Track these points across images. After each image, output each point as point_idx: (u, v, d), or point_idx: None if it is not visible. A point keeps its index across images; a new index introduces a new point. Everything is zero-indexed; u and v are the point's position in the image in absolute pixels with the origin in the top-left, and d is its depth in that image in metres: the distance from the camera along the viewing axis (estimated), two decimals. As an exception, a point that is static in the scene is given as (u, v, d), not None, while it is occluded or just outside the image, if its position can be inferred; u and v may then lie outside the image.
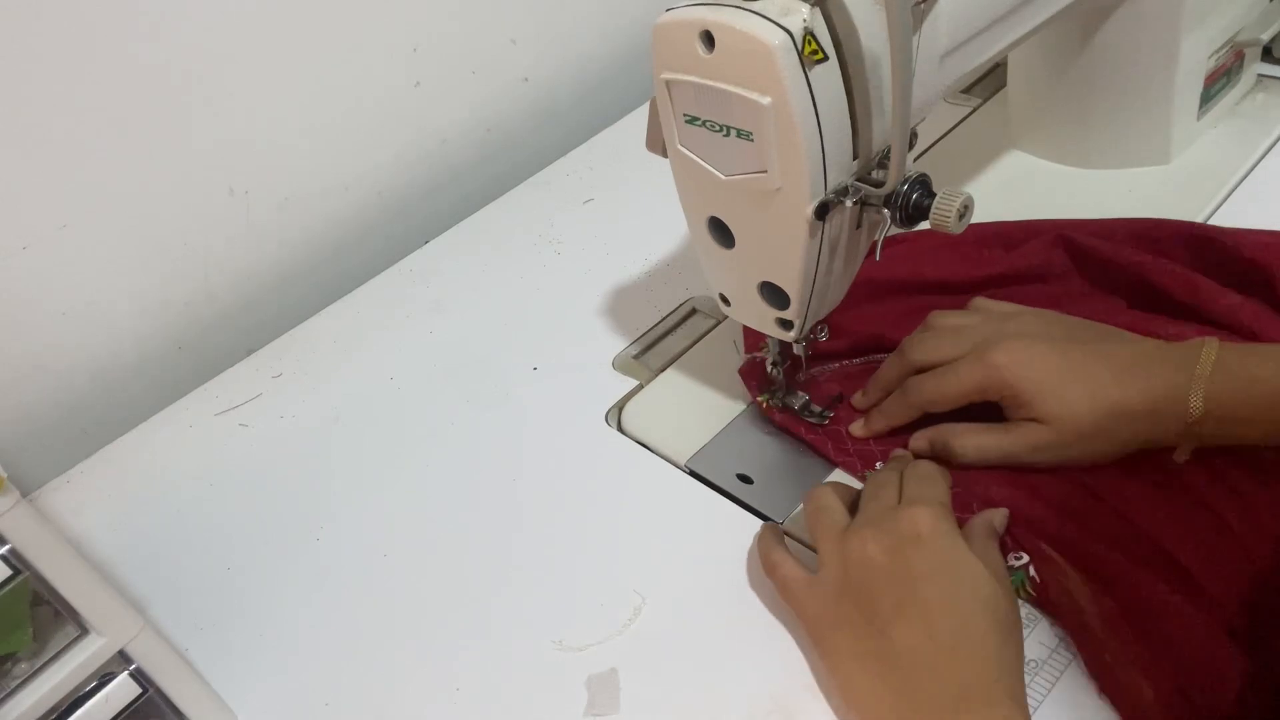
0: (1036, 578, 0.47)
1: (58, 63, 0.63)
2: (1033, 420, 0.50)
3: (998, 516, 0.49)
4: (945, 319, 0.56)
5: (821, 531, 0.48)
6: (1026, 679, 0.45)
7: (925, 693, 0.41)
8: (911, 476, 0.49)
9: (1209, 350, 0.48)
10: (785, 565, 0.49)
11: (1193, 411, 0.47)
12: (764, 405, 0.59)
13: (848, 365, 0.61)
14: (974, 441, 0.52)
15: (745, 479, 0.57)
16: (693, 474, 0.58)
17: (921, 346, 0.55)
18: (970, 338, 0.53)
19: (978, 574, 0.43)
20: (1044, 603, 0.47)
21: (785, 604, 0.49)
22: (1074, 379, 0.49)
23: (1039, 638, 0.46)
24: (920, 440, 0.54)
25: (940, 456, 0.53)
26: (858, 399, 0.58)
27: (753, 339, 0.60)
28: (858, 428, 0.57)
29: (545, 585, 0.54)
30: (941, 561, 0.44)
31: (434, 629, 0.53)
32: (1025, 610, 0.47)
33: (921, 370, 0.54)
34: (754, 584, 0.52)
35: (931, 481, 0.48)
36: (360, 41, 0.77)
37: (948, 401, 0.53)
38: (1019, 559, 0.48)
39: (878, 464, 0.55)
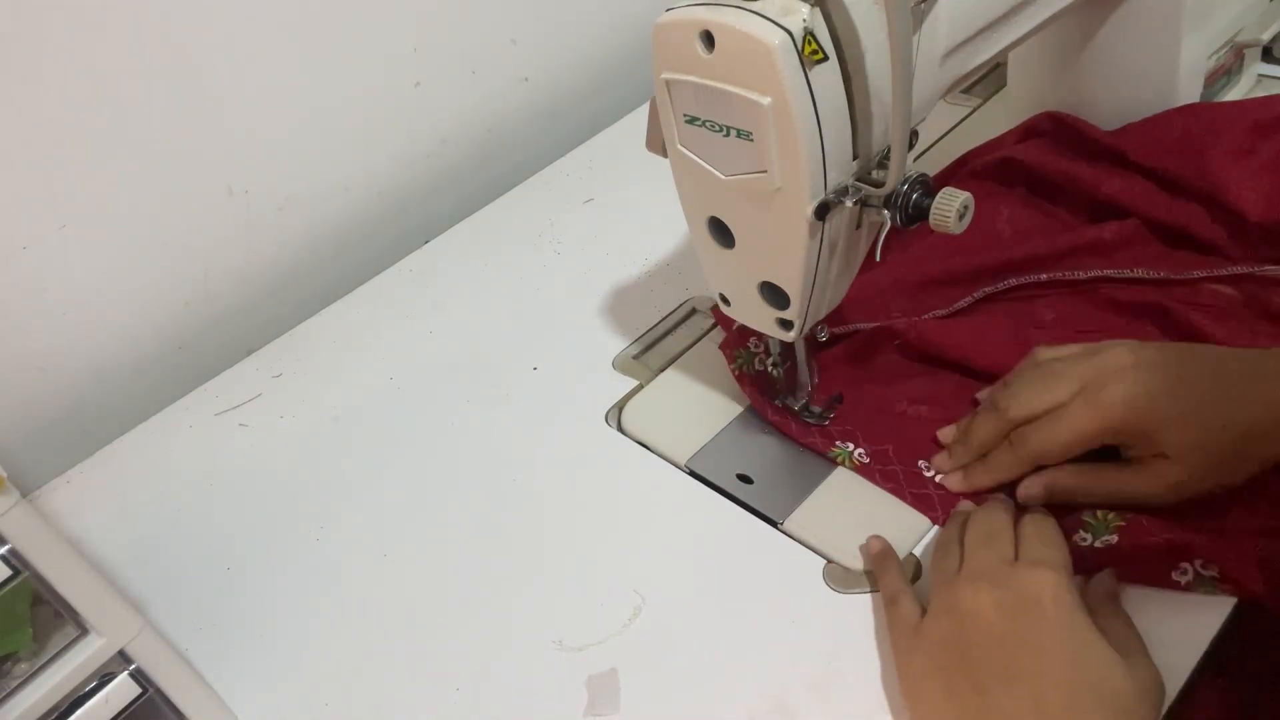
0: (1216, 575, 0.46)
1: (58, 63, 0.63)
2: (1160, 456, 0.47)
3: (1111, 581, 0.46)
4: (1035, 362, 0.53)
5: (937, 573, 0.47)
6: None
7: None
8: (1030, 530, 0.47)
9: None
10: (903, 602, 0.47)
11: None
12: (736, 373, 0.60)
13: (860, 330, 0.61)
14: (1097, 482, 0.49)
15: (745, 479, 0.57)
16: (693, 474, 0.58)
17: (1019, 398, 0.51)
18: (1069, 379, 0.49)
19: (1102, 658, 0.40)
20: (1237, 590, 0.46)
21: (890, 638, 0.47)
22: (1196, 407, 0.46)
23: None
24: (1035, 488, 0.50)
25: (1055, 500, 0.50)
26: (942, 460, 0.54)
27: (733, 338, 0.61)
28: (955, 482, 0.53)
29: (545, 585, 0.54)
30: (1061, 634, 0.41)
31: (434, 629, 0.53)
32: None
33: (1023, 423, 0.51)
34: (754, 584, 0.52)
35: (1053, 540, 0.46)
36: (360, 41, 0.77)
37: (1063, 451, 0.49)
38: (1188, 571, 0.46)
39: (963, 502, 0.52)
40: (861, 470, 0.55)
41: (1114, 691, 0.40)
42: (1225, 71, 0.71)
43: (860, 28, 0.42)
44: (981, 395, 0.56)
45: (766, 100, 0.41)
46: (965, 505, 0.52)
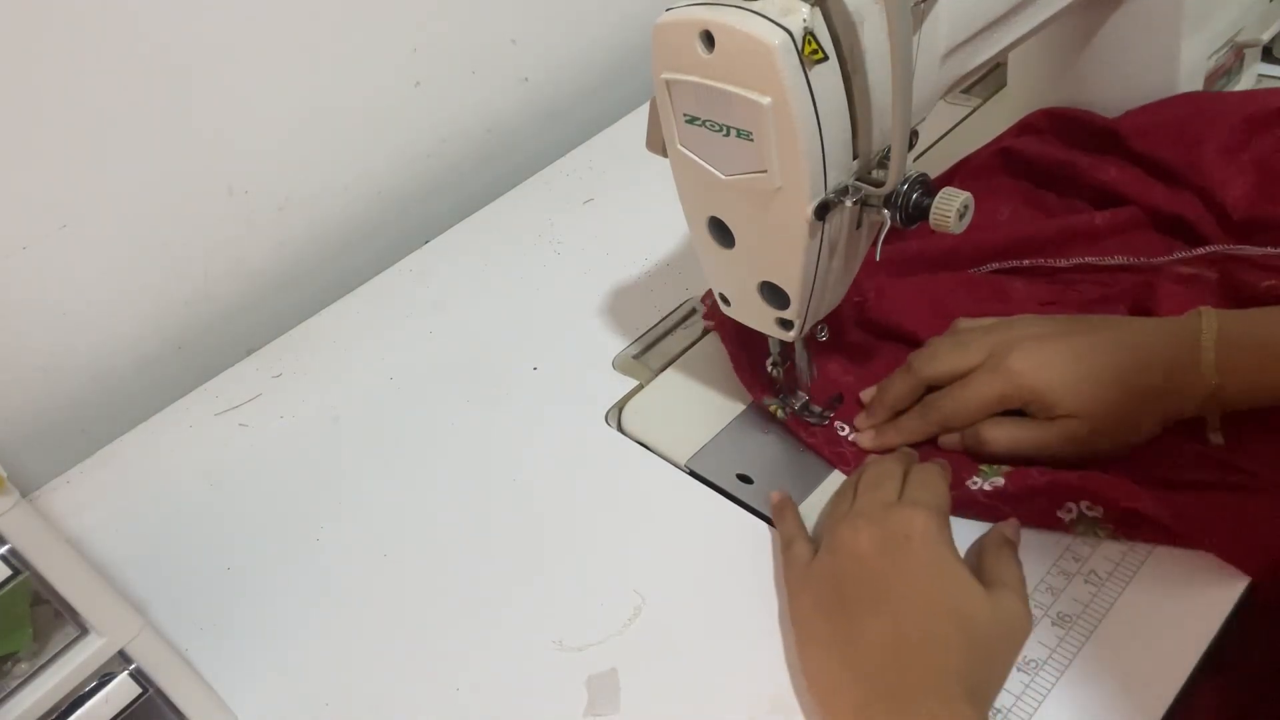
0: (1101, 515, 0.49)
1: (58, 63, 0.63)
2: (1068, 415, 0.50)
3: (1009, 528, 0.49)
4: (954, 330, 0.56)
5: (829, 516, 0.49)
6: (1026, 679, 0.45)
7: (884, 683, 0.42)
8: (915, 477, 0.49)
9: (1208, 319, 0.49)
10: (796, 544, 0.50)
11: (1208, 378, 0.48)
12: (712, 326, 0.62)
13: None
14: (1007, 434, 0.52)
15: (745, 479, 0.57)
16: (693, 474, 0.58)
17: (931, 362, 0.54)
18: (978, 348, 0.53)
19: (964, 588, 0.44)
20: (1122, 531, 0.49)
21: (784, 577, 0.50)
22: (1093, 370, 0.50)
23: (1039, 637, 0.46)
24: (950, 437, 0.54)
25: (971, 449, 0.53)
26: (861, 419, 0.57)
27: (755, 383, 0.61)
28: (866, 439, 0.56)
29: (545, 585, 0.54)
30: (925, 565, 0.44)
31: (434, 629, 0.53)
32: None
33: (933, 386, 0.54)
34: (754, 584, 0.52)
35: (933, 486, 0.49)
36: (360, 41, 0.77)
37: (969, 416, 0.53)
38: (1073, 510, 0.49)
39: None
40: (791, 423, 0.58)
41: (970, 616, 0.43)
42: (1225, 71, 0.71)
43: (860, 28, 0.42)
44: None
45: (766, 100, 0.41)
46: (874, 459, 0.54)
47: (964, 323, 0.57)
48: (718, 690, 0.48)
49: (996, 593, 0.44)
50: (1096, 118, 0.68)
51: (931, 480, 0.49)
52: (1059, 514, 0.50)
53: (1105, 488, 0.48)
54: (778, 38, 0.40)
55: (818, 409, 0.58)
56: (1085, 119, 0.68)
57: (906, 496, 0.48)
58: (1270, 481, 0.48)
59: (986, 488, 0.51)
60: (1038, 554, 0.49)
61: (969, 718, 0.40)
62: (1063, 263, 0.63)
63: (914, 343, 0.58)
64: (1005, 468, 0.52)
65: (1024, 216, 0.67)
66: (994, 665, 0.43)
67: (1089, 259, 0.62)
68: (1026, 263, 0.63)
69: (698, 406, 0.62)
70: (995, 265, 0.64)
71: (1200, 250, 0.60)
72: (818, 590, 0.47)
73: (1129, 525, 0.49)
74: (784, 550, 0.51)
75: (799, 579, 0.48)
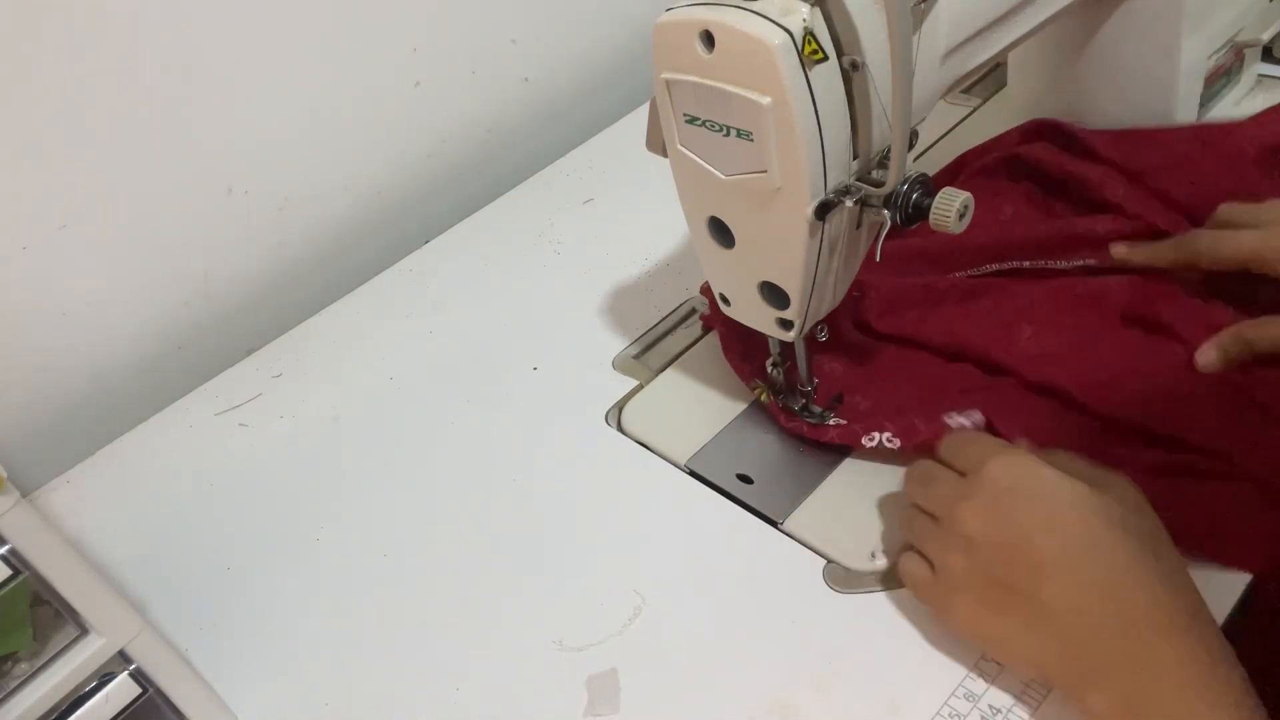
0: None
1: (58, 63, 0.63)
2: None
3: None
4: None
5: (916, 537, 0.48)
6: (1021, 682, 0.45)
7: (1100, 634, 0.40)
8: (957, 448, 0.49)
9: None
10: (907, 562, 0.48)
11: None
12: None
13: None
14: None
15: (745, 479, 0.57)
16: (693, 474, 0.58)
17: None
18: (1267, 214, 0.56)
19: (1083, 498, 0.42)
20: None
21: (926, 608, 0.48)
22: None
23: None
24: (1216, 346, 0.54)
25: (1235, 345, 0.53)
26: (1118, 248, 0.60)
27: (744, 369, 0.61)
28: (1120, 250, 0.59)
29: (545, 585, 0.54)
30: (1040, 501, 0.43)
31: (434, 629, 0.53)
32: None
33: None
34: (754, 584, 0.52)
35: (977, 439, 0.48)
36: (360, 41, 0.77)
37: (1220, 259, 0.56)
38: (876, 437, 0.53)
39: (864, 439, 0.55)
40: (772, 408, 0.59)
41: (1116, 522, 0.42)
42: (1225, 71, 0.71)
43: (860, 28, 0.42)
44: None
45: (766, 100, 0.41)
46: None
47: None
48: (718, 690, 0.48)
49: (1102, 485, 0.43)
50: (1104, 144, 0.66)
51: (973, 436, 0.49)
52: (864, 440, 0.53)
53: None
54: (778, 38, 0.40)
55: (818, 409, 0.58)
56: (1087, 142, 0.67)
57: (966, 464, 0.47)
58: (1255, 471, 0.48)
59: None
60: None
61: (1190, 648, 0.39)
62: (1063, 264, 0.62)
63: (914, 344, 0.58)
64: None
65: (1027, 216, 0.67)
66: (1159, 542, 0.42)
67: (1090, 261, 0.62)
68: (1027, 264, 0.63)
69: (698, 406, 0.62)
70: (995, 266, 0.63)
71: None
72: (964, 591, 0.44)
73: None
74: (900, 572, 0.48)
75: (940, 596, 0.46)
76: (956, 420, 0.53)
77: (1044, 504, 0.43)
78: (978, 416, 0.53)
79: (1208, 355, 0.54)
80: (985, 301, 0.61)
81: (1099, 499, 0.43)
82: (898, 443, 0.54)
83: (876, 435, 0.54)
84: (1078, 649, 0.41)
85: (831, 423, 0.57)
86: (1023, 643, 0.43)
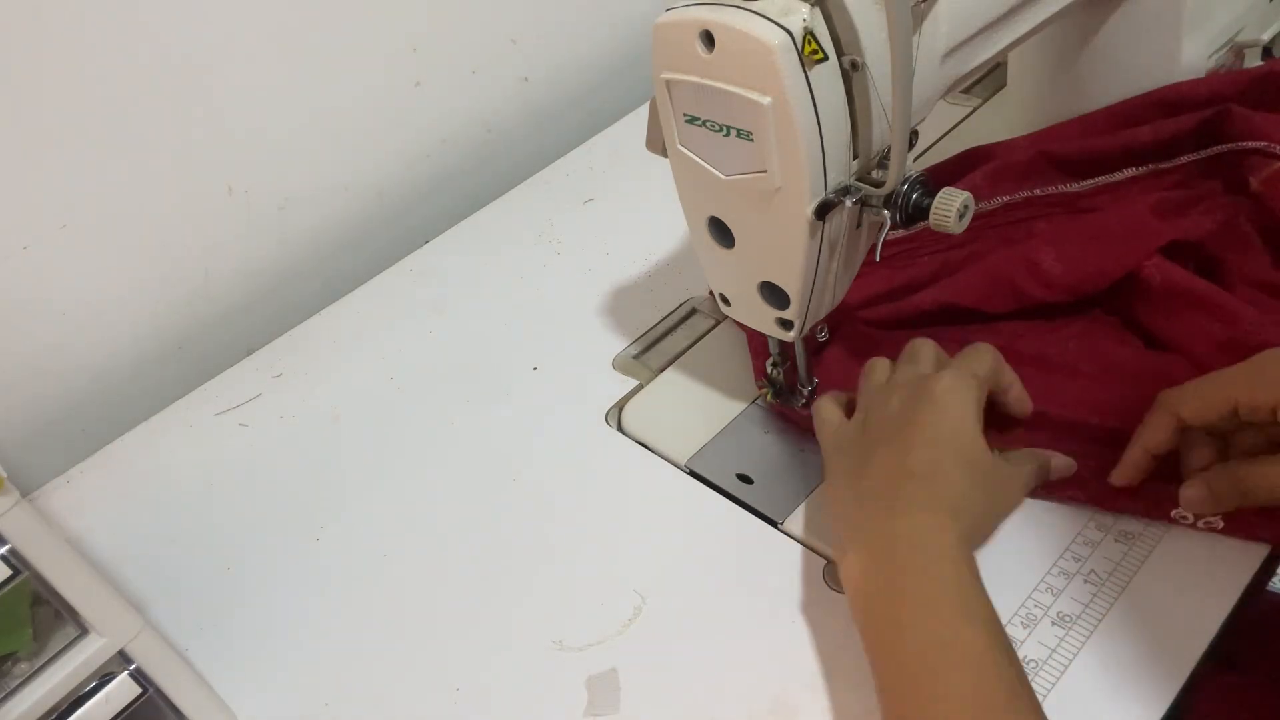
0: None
1: (58, 63, 0.63)
2: None
3: (1059, 461, 0.50)
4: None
5: (865, 389, 0.52)
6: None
7: (883, 501, 0.45)
8: (964, 351, 0.51)
9: None
10: (824, 408, 0.53)
11: None
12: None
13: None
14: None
15: (745, 479, 0.57)
16: (693, 474, 0.58)
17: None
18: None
19: (971, 436, 0.46)
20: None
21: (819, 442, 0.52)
22: None
23: (1039, 638, 0.46)
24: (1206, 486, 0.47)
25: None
26: (1117, 475, 0.49)
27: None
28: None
29: (545, 585, 0.54)
30: (943, 412, 0.46)
31: (434, 629, 0.53)
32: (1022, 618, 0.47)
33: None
34: (754, 584, 0.52)
35: (978, 357, 0.50)
36: (360, 41, 0.77)
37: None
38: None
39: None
40: (774, 408, 0.59)
41: (973, 462, 0.45)
42: (1225, 71, 0.71)
43: (860, 28, 0.42)
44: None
45: (766, 100, 0.41)
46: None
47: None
48: (718, 690, 0.48)
49: (1003, 457, 0.47)
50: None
51: (980, 352, 0.50)
52: (1173, 514, 0.49)
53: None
54: (778, 38, 0.40)
55: (818, 409, 0.58)
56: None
57: (946, 366, 0.49)
58: None
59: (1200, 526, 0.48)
60: (1037, 555, 0.49)
61: (952, 529, 0.42)
62: (1075, 186, 0.64)
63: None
64: None
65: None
66: (986, 513, 0.46)
67: (1129, 172, 0.63)
68: (1051, 190, 0.64)
69: (698, 406, 0.62)
70: (1007, 198, 0.64)
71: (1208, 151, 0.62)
72: (847, 445, 0.49)
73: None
74: (815, 414, 0.53)
75: (829, 444, 0.51)
76: None
77: (944, 417, 0.46)
78: None
79: (1195, 493, 0.47)
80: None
81: (980, 453, 0.46)
82: None
83: None
84: (861, 502, 0.46)
85: None
86: (835, 492, 0.48)
